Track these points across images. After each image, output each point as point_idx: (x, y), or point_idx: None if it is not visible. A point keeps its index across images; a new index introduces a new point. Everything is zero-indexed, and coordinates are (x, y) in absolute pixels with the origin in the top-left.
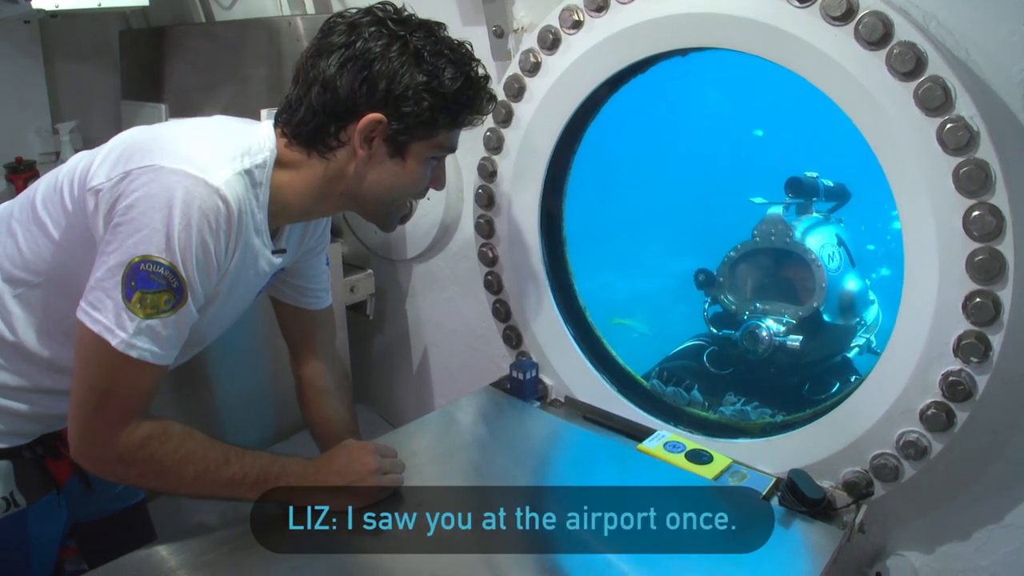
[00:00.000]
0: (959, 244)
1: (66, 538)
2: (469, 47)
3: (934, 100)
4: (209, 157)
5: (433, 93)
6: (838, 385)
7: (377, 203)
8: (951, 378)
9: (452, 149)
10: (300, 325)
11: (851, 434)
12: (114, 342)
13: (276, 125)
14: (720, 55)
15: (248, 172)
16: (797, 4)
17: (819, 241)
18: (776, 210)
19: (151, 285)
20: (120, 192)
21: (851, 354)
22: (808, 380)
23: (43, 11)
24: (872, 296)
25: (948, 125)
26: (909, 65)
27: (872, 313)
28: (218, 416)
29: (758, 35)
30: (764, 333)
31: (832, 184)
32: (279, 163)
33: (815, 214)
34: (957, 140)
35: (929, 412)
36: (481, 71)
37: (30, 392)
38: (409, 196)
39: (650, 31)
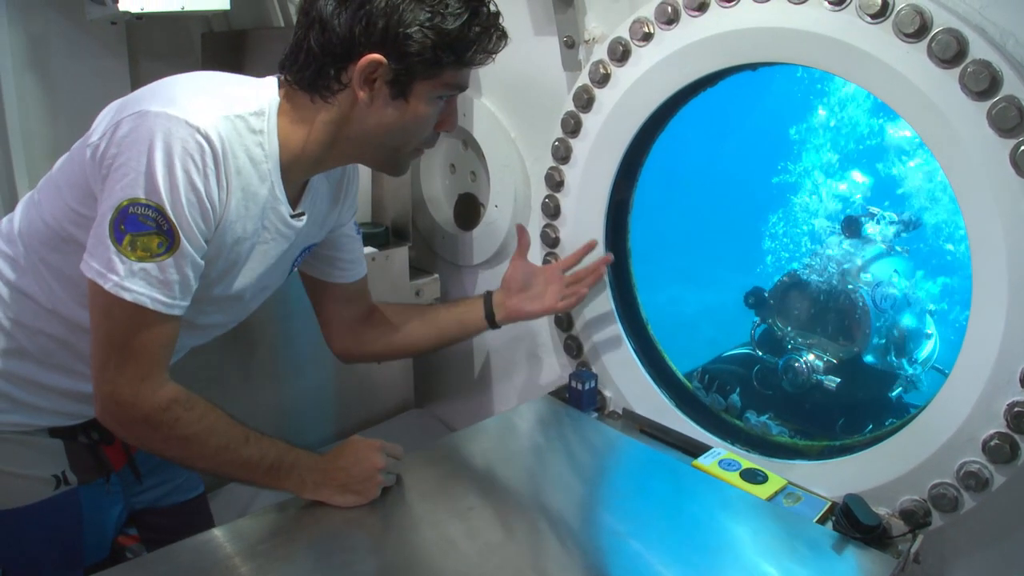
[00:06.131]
0: None
1: (127, 526)
2: None
3: (1008, 121)
4: (195, 100)
5: (436, 31)
6: (871, 427)
7: (382, 148)
8: (1016, 409)
9: (462, 88)
10: (331, 300)
11: (910, 461)
12: (107, 285)
13: (281, 71)
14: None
15: (241, 118)
16: (869, 20)
17: (876, 277)
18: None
19: (140, 228)
20: (109, 141)
21: (893, 394)
22: (843, 417)
23: (129, 13)
24: (931, 329)
25: (1023, 147)
26: (983, 84)
27: (927, 349)
28: (282, 413)
29: (828, 51)
30: (803, 367)
31: (896, 218)
32: (283, 111)
33: (879, 244)
34: None
35: (992, 443)
36: (492, 8)
37: (70, 362)
38: (416, 140)
39: (720, 45)
